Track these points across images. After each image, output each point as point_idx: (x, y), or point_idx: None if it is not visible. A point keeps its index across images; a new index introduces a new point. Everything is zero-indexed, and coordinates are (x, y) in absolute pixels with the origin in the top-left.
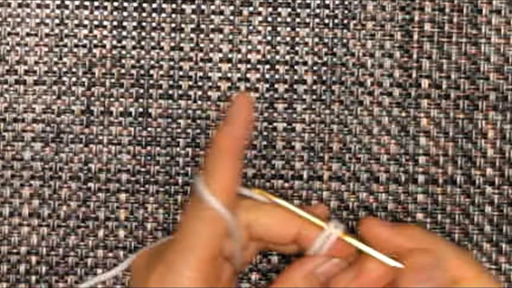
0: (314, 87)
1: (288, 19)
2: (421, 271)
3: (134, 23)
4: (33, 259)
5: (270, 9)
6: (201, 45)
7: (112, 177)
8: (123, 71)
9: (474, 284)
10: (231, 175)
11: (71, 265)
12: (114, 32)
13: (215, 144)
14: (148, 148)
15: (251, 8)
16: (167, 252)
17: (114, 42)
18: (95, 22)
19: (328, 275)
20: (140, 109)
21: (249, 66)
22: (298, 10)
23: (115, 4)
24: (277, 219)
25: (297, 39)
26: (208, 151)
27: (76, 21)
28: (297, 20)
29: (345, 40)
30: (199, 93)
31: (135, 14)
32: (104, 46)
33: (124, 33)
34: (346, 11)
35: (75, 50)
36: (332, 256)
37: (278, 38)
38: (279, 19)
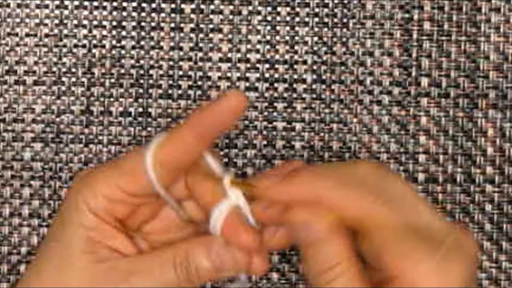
0: (314, 86)
1: (288, 18)
2: (295, 230)
3: (134, 23)
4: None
5: (269, 8)
6: (201, 44)
7: None
8: (122, 71)
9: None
10: (178, 146)
11: None
12: (114, 32)
13: (183, 121)
14: None
15: (250, 8)
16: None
17: (114, 42)
18: (95, 22)
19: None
20: (140, 109)
21: (248, 65)
22: (298, 9)
23: (114, 4)
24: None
25: (296, 38)
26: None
27: (75, 21)
28: (297, 19)
29: (344, 39)
30: (199, 92)
31: (134, 14)
32: (103, 46)
33: (124, 33)
34: (345, 10)
35: (74, 50)
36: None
37: (278, 37)
38: (278, 18)
